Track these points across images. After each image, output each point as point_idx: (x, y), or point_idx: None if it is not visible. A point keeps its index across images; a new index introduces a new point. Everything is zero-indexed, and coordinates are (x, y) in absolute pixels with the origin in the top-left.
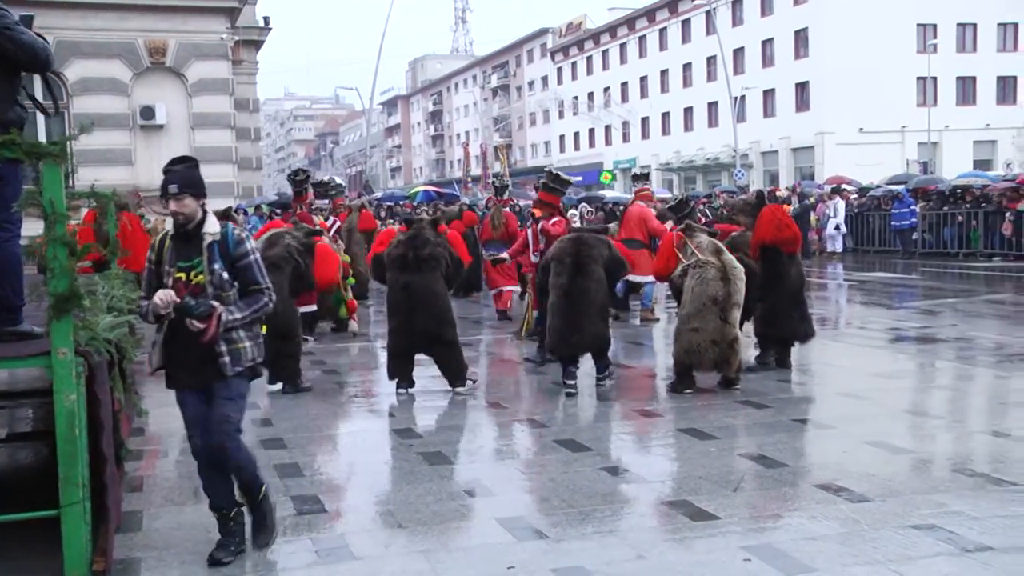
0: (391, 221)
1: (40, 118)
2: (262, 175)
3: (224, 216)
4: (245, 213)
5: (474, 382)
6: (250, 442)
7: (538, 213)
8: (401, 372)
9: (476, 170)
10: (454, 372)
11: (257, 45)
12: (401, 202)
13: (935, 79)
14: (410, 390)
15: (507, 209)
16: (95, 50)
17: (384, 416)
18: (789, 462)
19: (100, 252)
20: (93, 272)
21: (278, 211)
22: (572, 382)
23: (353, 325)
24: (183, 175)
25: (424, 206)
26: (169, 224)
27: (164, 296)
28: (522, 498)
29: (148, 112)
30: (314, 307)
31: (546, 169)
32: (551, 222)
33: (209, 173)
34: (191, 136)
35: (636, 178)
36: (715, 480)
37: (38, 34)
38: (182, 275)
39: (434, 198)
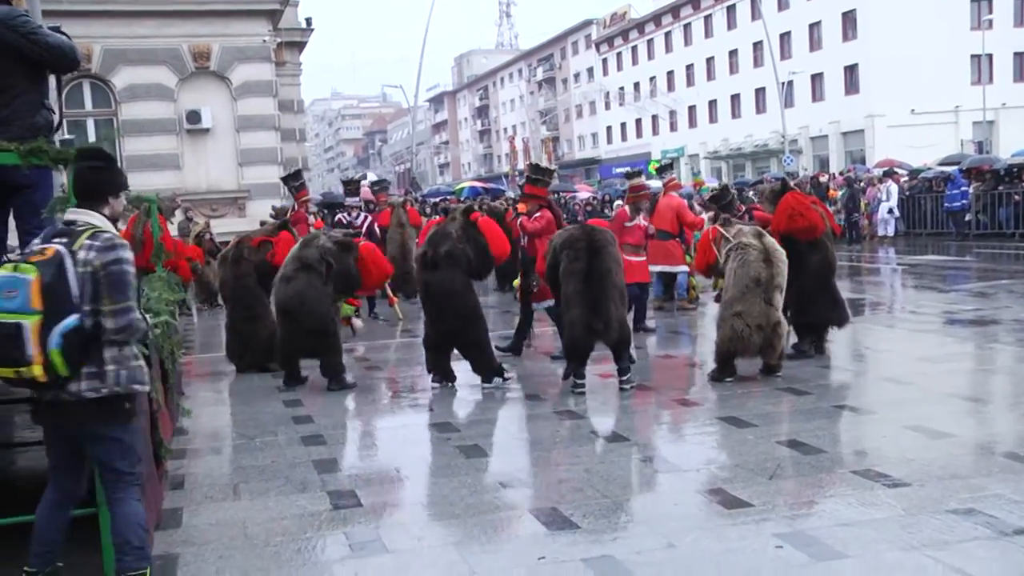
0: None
1: (90, 124)
2: (309, 176)
3: (283, 227)
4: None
5: (505, 379)
6: (290, 439)
7: (522, 208)
8: (439, 366)
9: (523, 164)
10: (483, 369)
11: (300, 46)
12: (447, 198)
13: (990, 56)
14: (449, 383)
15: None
16: (141, 57)
17: (423, 411)
18: (827, 448)
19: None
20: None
21: (324, 211)
22: (583, 381)
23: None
24: None
25: (469, 200)
26: (200, 224)
27: None
28: (556, 489)
29: (194, 116)
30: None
31: (532, 161)
32: (532, 218)
33: (256, 175)
34: (236, 139)
35: (662, 169)
36: (751, 468)
37: (64, 34)
38: None
39: (480, 193)
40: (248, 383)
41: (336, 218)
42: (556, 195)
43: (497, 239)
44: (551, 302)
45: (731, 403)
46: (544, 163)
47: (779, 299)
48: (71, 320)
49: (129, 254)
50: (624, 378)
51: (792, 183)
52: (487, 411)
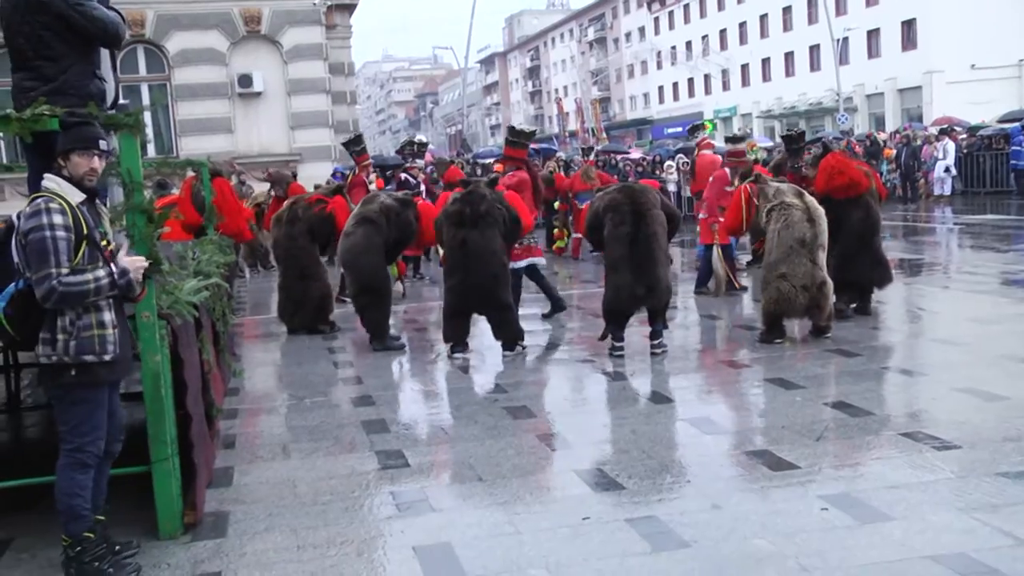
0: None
1: (143, 88)
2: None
3: (337, 191)
4: (344, 176)
5: (523, 347)
6: (339, 399)
7: (499, 168)
8: (458, 334)
9: (573, 125)
10: (508, 335)
11: (350, 9)
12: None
13: None
14: (465, 354)
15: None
16: (193, 22)
17: (472, 372)
18: (875, 410)
19: (198, 217)
20: (190, 237)
21: (376, 171)
22: (621, 344)
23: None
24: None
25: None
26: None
27: (140, 263)
28: (602, 450)
29: (246, 80)
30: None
31: (510, 124)
32: (506, 175)
33: (307, 138)
34: (288, 102)
35: (693, 129)
36: (798, 430)
37: (113, 9)
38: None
39: (532, 154)
40: (299, 344)
41: (403, 177)
42: (608, 156)
43: (523, 211)
44: (526, 262)
45: (779, 365)
46: (522, 126)
47: (823, 258)
48: (9, 287)
49: (55, 218)
50: (656, 341)
51: (846, 141)
52: (534, 372)
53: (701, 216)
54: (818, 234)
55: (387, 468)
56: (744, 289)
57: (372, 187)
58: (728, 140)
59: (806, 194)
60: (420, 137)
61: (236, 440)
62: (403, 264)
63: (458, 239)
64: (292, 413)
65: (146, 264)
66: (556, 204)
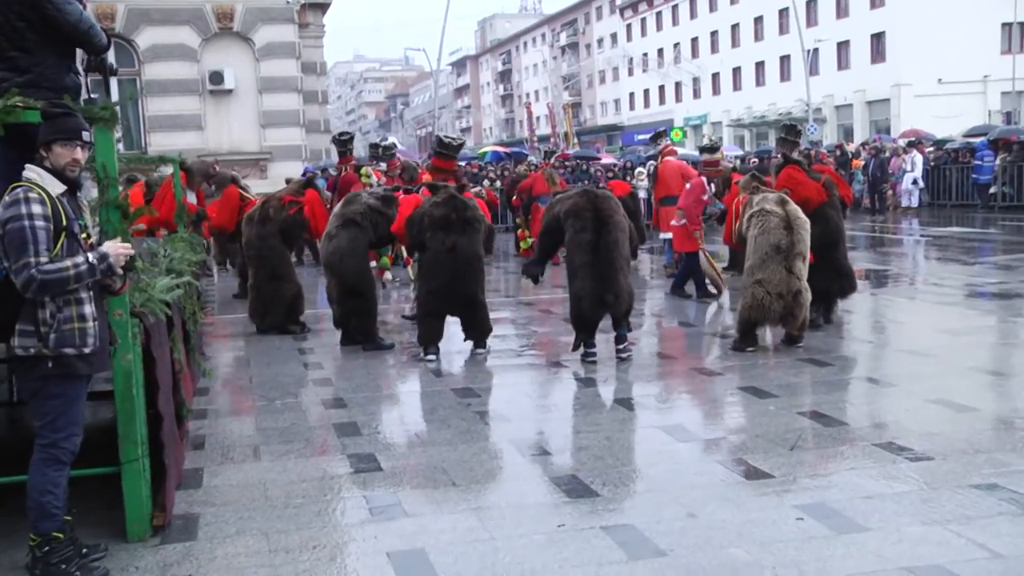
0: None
1: (113, 83)
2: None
3: (308, 185)
4: (314, 175)
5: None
6: (311, 401)
7: (427, 177)
8: (433, 336)
9: (544, 129)
10: (481, 333)
11: (323, 8)
12: (471, 162)
13: (1022, 24)
14: (435, 355)
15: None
16: (165, 17)
17: (444, 375)
18: (848, 421)
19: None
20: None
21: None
22: (594, 350)
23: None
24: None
25: (492, 166)
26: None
27: (124, 249)
28: (576, 456)
29: (217, 77)
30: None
31: (437, 135)
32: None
33: (277, 136)
34: (259, 100)
35: (656, 137)
36: (772, 439)
37: (105, 30)
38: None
39: (503, 158)
40: (269, 344)
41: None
42: (578, 162)
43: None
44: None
45: (752, 373)
46: (450, 137)
47: (801, 267)
48: None
49: (34, 208)
50: (621, 346)
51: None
52: (506, 377)
53: (678, 223)
54: (795, 242)
55: (359, 472)
56: (689, 297)
57: (372, 180)
58: (702, 150)
59: (790, 202)
60: (391, 139)
61: (206, 441)
62: (391, 258)
63: (448, 244)
64: (263, 414)
65: (130, 250)
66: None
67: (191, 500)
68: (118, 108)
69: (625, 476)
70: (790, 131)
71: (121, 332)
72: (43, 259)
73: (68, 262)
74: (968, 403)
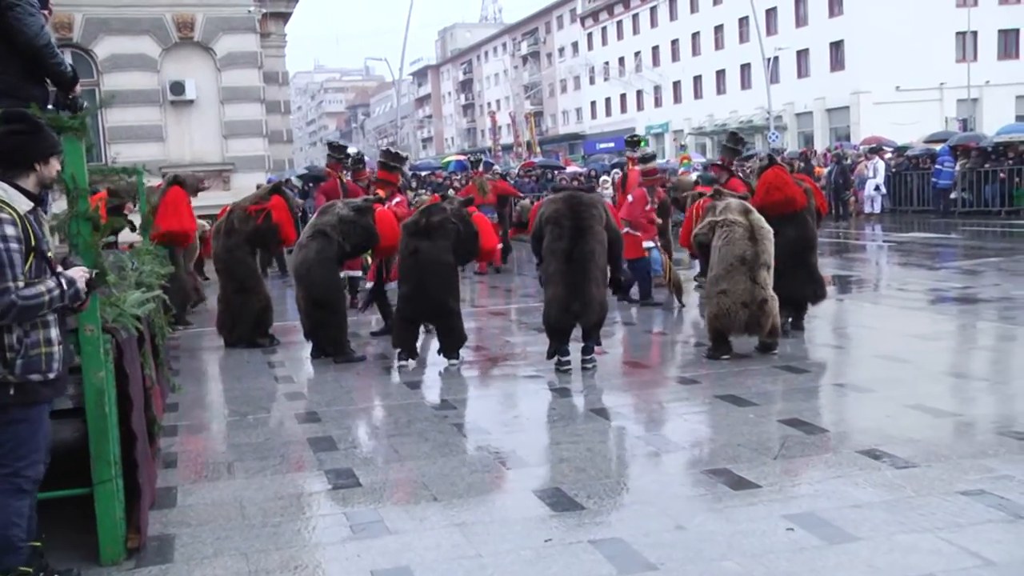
0: (423, 191)
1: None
2: (294, 148)
3: (275, 190)
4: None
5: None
6: (284, 416)
7: (382, 193)
8: (407, 341)
9: (507, 138)
10: (452, 344)
11: (285, 17)
12: (435, 172)
13: (975, 33)
14: (412, 360)
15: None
16: (124, 26)
17: (418, 388)
18: (830, 428)
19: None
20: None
21: (311, 184)
22: (567, 358)
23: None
24: None
25: (456, 175)
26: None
27: (84, 271)
28: (558, 469)
29: (178, 87)
30: (359, 272)
31: (383, 147)
32: (393, 203)
33: (240, 147)
34: (221, 110)
35: (635, 143)
36: (754, 447)
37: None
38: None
39: (467, 167)
40: (238, 358)
41: None
42: (544, 171)
43: (488, 235)
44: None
45: (728, 381)
46: (398, 150)
47: (765, 276)
48: None
49: (7, 230)
50: (587, 356)
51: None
52: (481, 388)
53: (628, 232)
54: (759, 253)
55: (338, 488)
56: (659, 304)
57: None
58: (640, 160)
59: (753, 212)
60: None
61: (177, 459)
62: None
63: (410, 248)
64: (235, 430)
65: (90, 274)
66: None
67: (166, 520)
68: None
69: (610, 488)
70: (732, 139)
71: (93, 348)
72: (20, 283)
73: (42, 287)
74: (946, 408)
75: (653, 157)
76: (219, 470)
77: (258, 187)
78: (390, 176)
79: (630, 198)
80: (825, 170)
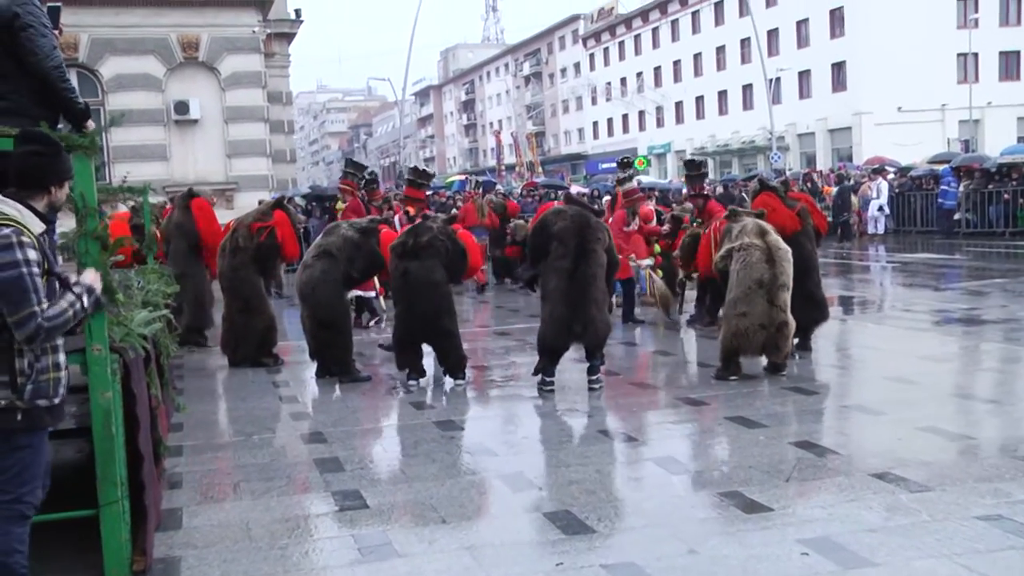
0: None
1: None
2: (296, 168)
3: (277, 205)
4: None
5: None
6: (289, 436)
7: (412, 210)
8: (410, 362)
9: (510, 158)
10: (452, 363)
11: (289, 38)
12: (438, 191)
13: (976, 55)
14: (420, 381)
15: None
16: (129, 46)
17: (425, 408)
18: (841, 450)
19: (133, 246)
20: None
21: (314, 203)
22: (552, 379)
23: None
24: None
25: (459, 194)
26: None
27: (97, 275)
28: (568, 491)
29: (182, 107)
30: (373, 292)
31: (412, 165)
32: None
33: (244, 166)
34: (225, 130)
35: (626, 164)
36: (766, 470)
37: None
38: None
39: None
40: (242, 377)
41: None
42: (547, 191)
43: (474, 251)
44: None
45: (738, 402)
46: (424, 168)
47: (785, 297)
48: None
49: (29, 253)
50: (593, 377)
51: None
52: (489, 409)
53: None
54: (777, 275)
55: (345, 510)
56: (642, 323)
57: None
58: (618, 181)
59: (770, 232)
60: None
61: (183, 479)
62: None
63: (400, 269)
64: (240, 450)
65: (100, 277)
66: None
67: (171, 542)
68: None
69: (620, 511)
70: (689, 166)
71: (100, 368)
72: (44, 306)
73: (64, 303)
74: (956, 430)
75: (629, 178)
76: (225, 491)
77: (260, 203)
78: (418, 193)
79: (610, 220)
80: (834, 189)
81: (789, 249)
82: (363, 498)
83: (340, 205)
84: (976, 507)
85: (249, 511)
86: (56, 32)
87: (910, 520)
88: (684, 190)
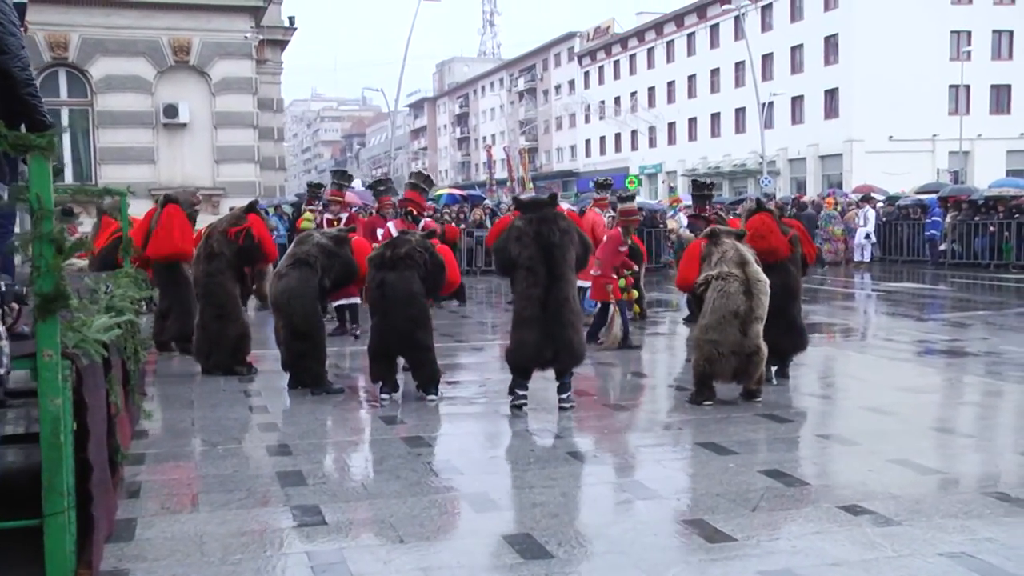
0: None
1: (64, 113)
2: (285, 175)
3: (249, 209)
4: (266, 212)
5: (439, 397)
6: (255, 447)
7: (416, 211)
8: (383, 375)
9: (501, 173)
10: (426, 378)
11: (282, 45)
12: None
13: (968, 87)
14: (393, 395)
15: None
16: (120, 48)
17: (394, 423)
18: (811, 480)
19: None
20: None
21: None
22: (524, 392)
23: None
24: None
25: (448, 208)
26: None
27: None
28: (531, 513)
29: (171, 110)
30: (357, 299)
31: (414, 171)
32: (420, 224)
33: (232, 172)
34: (213, 135)
35: (600, 186)
36: (733, 498)
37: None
38: None
39: (458, 200)
40: (214, 385)
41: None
42: None
43: (452, 265)
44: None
45: (710, 428)
46: (524, 173)
47: (758, 329)
48: None
49: None
50: (564, 395)
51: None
52: (459, 425)
53: (594, 273)
54: (754, 308)
55: (303, 525)
56: (639, 347)
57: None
58: (620, 199)
59: (751, 263)
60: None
61: (141, 488)
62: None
63: (376, 280)
64: (204, 460)
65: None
66: None
67: (121, 554)
68: (67, 139)
69: (581, 536)
70: (696, 187)
71: (51, 374)
72: None
73: None
74: (930, 464)
75: (632, 197)
76: (183, 502)
77: (231, 209)
78: (418, 197)
79: (604, 238)
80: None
81: (767, 281)
82: (322, 514)
83: (307, 222)
84: (942, 543)
85: (205, 524)
86: (21, 28)
87: (874, 555)
88: (672, 213)
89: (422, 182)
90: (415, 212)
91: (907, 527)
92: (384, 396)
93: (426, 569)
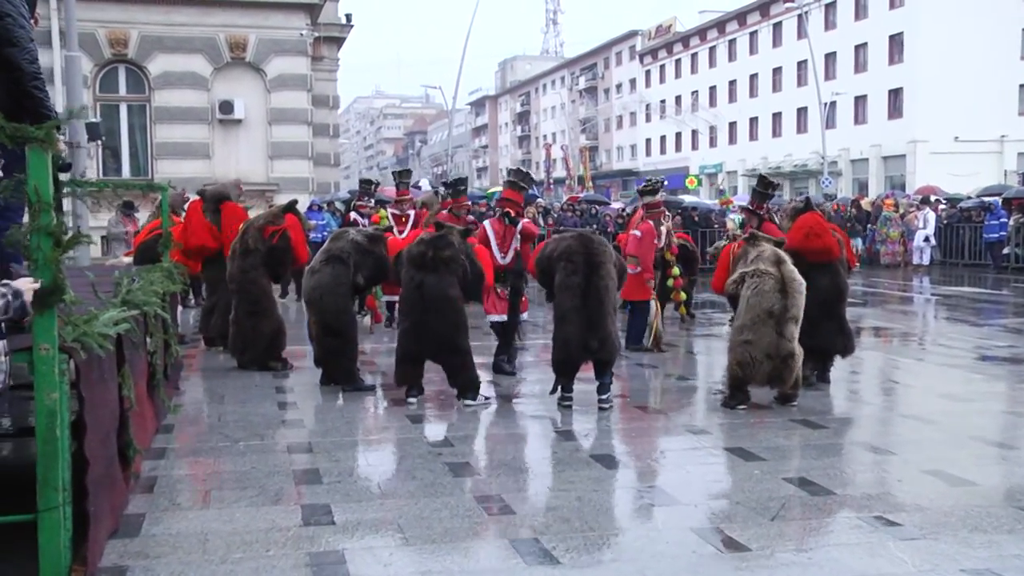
0: None
1: (123, 108)
2: (340, 171)
3: (287, 209)
4: (320, 208)
5: (487, 398)
6: (275, 444)
7: (514, 212)
8: (411, 378)
9: (560, 172)
10: (464, 383)
11: (338, 42)
12: (479, 201)
13: None
14: (418, 398)
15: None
16: (177, 45)
17: (421, 422)
18: (836, 489)
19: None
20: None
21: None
22: (570, 394)
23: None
24: None
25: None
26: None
27: (32, 284)
28: (542, 518)
29: (227, 107)
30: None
31: (513, 167)
32: (526, 221)
33: (285, 168)
34: (268, 131)
35: (649, 191)
36: (753, 506)
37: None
38: None
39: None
40: (247, 381)
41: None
42: (588, 206)
43: (488, 268)
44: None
45: (740, 433)
46: (584, 172)
47: (793, 330)
48: None
49: None
50: (604, 396)
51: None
52: (484, 426)
53: (633, 271)
54: (789, 307)
55: (310, 524)
56: (667, 350)
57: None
58: (641, 192)
59: (787, 262)
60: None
61: (156, 483)
62: (372, 299)
63: (415, 282)
64: (222, 456)
65: (37, 285)
66: None
67: (124, 551)
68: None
69: (591, 542)
70: (762, 183)
71: (47, 368)
72: None
73: None
74: (965, 476)
75: (656, 191)
76: (195, 498)
77: (270, 206)
78: (516, 196)
79: (637, 233)
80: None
81: (803, 281)
82: (332, 513)
83: (383, 219)
84: (966, 559)
85: (212, 521)
86: (32, 22)
87: (893, 569)
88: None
89: (522, 180)
90: (512, 213)
91: (931, 541)
92: (411, 400)
93: (425, 572)
